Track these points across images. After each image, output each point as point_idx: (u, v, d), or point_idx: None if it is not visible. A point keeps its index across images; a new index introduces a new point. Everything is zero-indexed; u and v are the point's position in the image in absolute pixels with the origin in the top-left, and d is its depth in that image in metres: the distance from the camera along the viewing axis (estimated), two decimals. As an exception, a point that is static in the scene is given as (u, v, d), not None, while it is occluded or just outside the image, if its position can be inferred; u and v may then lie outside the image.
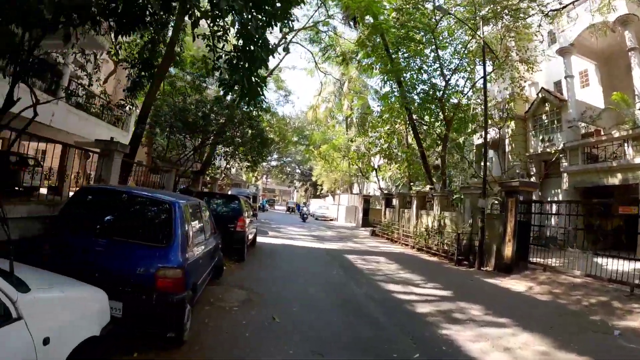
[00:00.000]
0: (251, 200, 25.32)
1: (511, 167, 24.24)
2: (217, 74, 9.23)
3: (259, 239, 17.20)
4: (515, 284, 12.23)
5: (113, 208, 5.58)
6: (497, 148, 26.99)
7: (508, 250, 14.60)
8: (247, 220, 12.85)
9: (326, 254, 16.48)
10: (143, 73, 11.12)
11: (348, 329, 6.73)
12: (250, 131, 16.18)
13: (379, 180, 34.40)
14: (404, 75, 22.80)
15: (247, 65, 6.25)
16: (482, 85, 22.63)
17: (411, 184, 27.08)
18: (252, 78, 6.22)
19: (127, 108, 13.41)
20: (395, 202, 27.67)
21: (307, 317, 7.16)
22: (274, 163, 72.04)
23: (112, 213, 5.51)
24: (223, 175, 28.37)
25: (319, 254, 16.43)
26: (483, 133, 24.72)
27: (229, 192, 23.44)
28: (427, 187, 22.13)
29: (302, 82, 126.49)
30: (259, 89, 6.75)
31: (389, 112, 24.55)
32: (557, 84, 25.73)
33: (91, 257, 4.89)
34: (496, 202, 17.11)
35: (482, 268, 15.18)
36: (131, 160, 11.82)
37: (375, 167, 32.42)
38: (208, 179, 23.38)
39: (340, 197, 48.61)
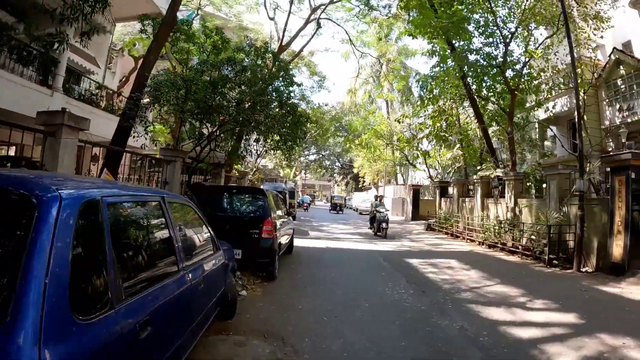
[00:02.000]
0: (287, 196, 22.18)
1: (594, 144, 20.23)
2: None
3: (297, 242, 14.02)
4: (646, 295, 8.74)
5: None
6: (558, 123, 22.97)
7: (617, 245, 11.14)
8: (278, 223, 9.59)
9: (383, 258, 13.04)
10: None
11: None
12: (280, 111, 12.99)
13: (428, 168, 30.66)
14: (455, 41, 19.21)
15: None
16: (544, 51, 19.29)
17: (478, 168, 23.13)
18: None
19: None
20: (452, 190, 24.10)
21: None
22: (312, 157, 69.45)
23: None
24: (254, 169, 24.83)
25: (373, 259, 13.02)
26: (553, 104, 21.30)
27: (262, 187, 20.30)
28: (498, 172, 18.45)
29: (336, 67, 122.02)
30: None
31: (441, 84, 20.82)
32: (626, 45, 21.52)
33: None
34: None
35: (581, 269, 11.74)
36: (118, 148, 8.85)
37: (424, 152, 28.40)
38: (236, 173, 20.28)
39: (384, 189, 45.03)
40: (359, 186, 60.90)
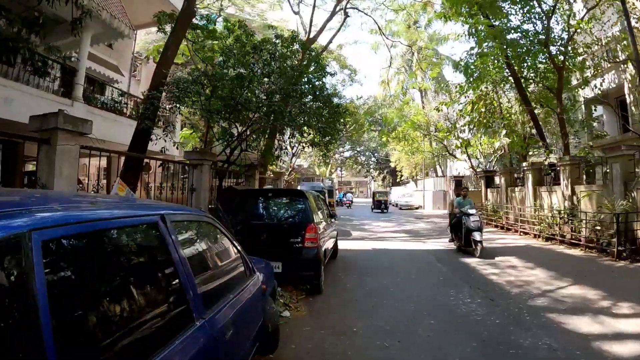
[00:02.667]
0: (327, 195, 21.20)
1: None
2: None
3: (341, 244, 13.04)
4: None
5: None
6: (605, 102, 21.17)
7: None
8: (321, 227, 8.63)
9: (435, 259, 11.93)
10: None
11: None
12: (314, 104, 12.01)
13: (469, 158, 29.09)
14: (492, 19, 17.86)
15: None
16: (587, 24, 17.69)
17: (530, 154, 21.54)
18: None
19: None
20: (499, 180, 22.63)
21: None
22: (347, 154, 68.45)
23: None
24: (290, 169, 23.78)
25: (425, 260, 11.93)
26: (601, 80, 19.50)
27: (299, 187, 19.24)
28: (552, 157, 17.02)
29: (367, 59, 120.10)
30: None
31: (481, 66, 19.33)
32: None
33: None
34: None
35: (654, 261, 10.38)
36: (135, 154, 8.03)
37: (465, 141, 26.49)
38: (271, 174, 19.36)
39: (424, 182, 43.52)
40: (397, 180, 59.16)
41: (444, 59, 36.99)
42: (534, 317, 6.35)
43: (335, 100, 14.37)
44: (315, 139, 12.83)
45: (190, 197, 8.83)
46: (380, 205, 37.92)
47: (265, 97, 9.63)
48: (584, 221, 13.52)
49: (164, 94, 9.13)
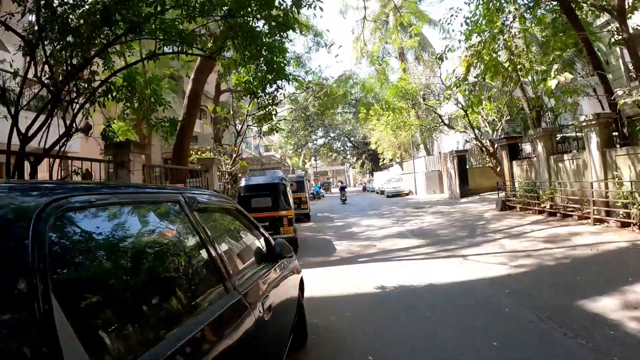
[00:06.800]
0: (288, 189, 14.18)
1: None
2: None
3: (316, 282, 7.07)
4: None
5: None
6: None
7: None
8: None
9: (517, 309, 5.08)
10: None
11: None
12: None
13: (472, 127, 22.38)
14: None
15: None
16: None
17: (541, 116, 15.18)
18: None
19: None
20: (535, 147, 16.01)
21: None
22: (320, 141, 62.26)
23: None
24: (234, 155, 15.76)
25: (515, 320, 5.07)
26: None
27: (244, 181, 12.26)
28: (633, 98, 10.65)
29: (335, 28, 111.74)
30: None
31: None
32: None
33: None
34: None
35: None
36: None
37: (475, 97, 19.36)
38: (197, 165, 12.25)
39: (413, 162, 36.77)
40: (379, 165, 52.47)
41: (426, 16, 30.95)
42: None
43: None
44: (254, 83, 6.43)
45: None
46: None
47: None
48: None
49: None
